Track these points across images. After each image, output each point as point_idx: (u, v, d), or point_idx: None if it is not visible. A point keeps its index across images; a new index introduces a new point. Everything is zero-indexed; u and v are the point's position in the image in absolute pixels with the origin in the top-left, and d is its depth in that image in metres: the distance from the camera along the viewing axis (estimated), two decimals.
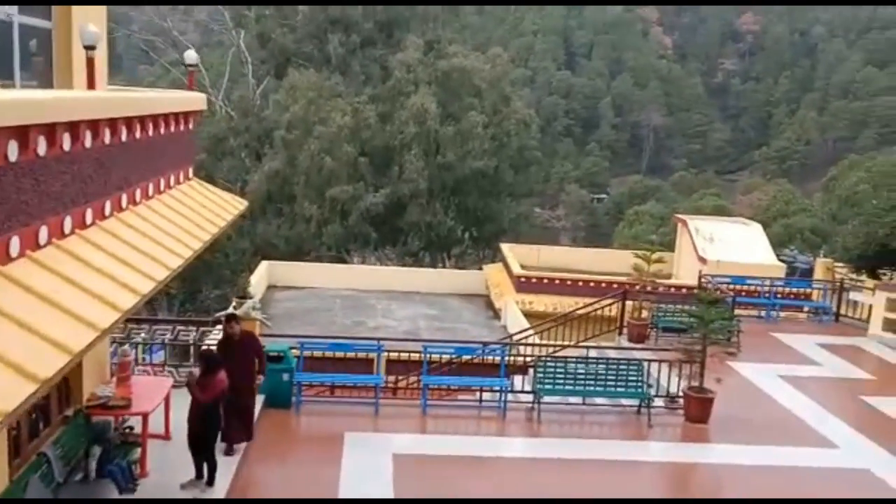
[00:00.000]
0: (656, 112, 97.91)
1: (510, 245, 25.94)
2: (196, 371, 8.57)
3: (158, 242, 7.14)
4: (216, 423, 8.18)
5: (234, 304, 10.74)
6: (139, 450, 8.46)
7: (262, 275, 22.20)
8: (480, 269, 25.91)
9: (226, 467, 8.71)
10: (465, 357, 12.55)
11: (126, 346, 9.32)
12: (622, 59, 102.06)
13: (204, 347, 9.51)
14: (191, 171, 9.67)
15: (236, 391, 8.55)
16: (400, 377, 12.89)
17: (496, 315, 21.87)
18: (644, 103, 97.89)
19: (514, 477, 9.78)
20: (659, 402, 11.87)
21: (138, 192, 7.67)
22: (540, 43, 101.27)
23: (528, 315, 19.37)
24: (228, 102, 34.39)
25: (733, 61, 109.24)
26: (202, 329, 10.92)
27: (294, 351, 11.11)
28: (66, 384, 8.26)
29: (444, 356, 12.33)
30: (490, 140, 31.13)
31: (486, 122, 30.98)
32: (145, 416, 8.50)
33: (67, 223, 6.04)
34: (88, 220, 6.44)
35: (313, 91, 29.01)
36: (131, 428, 8.68)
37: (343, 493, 8.79)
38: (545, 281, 22.44)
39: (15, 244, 5.21)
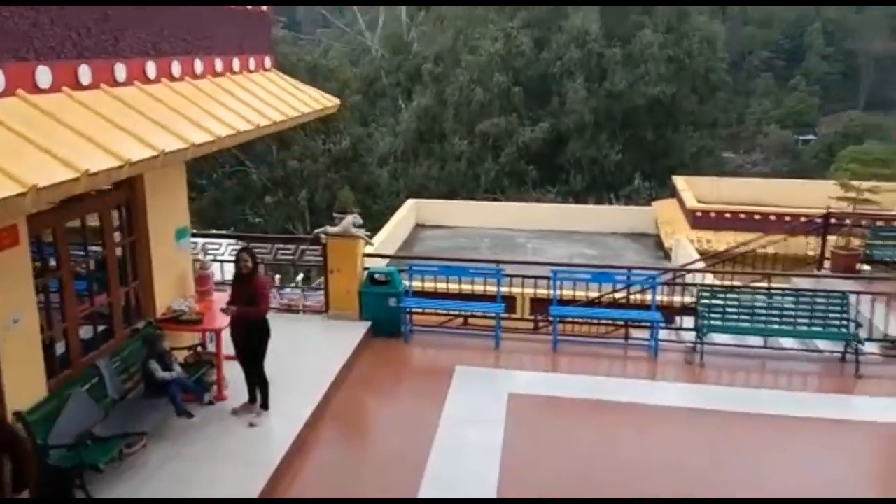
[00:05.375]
0: (878, 37, 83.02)
1: (685, 177, 22.59)
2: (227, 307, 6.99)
3: (182, 114, 5.88)
4: (268, 331, 7.00)
5: (334, 218, 9.51)
6: (213, 371, 7.54)
7: (409, 213, 21.24)
8: (650, 205, 22.87)
9: (312, 390, 7.56)
10: (616, 293, 10.26)
11: (205, 260, 8.41)
12: None
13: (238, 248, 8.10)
14: (268, 60, 8.43)
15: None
16: (540, 316, 10.98)
17: (666, 255, 19.10)
18: (862, 28, 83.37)
19: (664, 431, 7.52)
20: (872, 347, 8.87)
21: (176, 66, 6.47)
22: None
23: (705, 255, 16.41)
24: (382, 45, 33.55)
25: None
26: (301, 247, 9.85)
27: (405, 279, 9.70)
28: (136, 296, 7.49)
29: (580, 285, 10.19)
30: (667, 62, 27.36)
31: (661, 41, 27.25)
32: (218, 333, 7.54)
33: (44, 75, 4.90)
34: (85, 79, 5.29)
35: (461, 19, 27.14)
36: (202, 346, 7.77)
37: (440, 435, 7.22)
38: (727, 215, 19.24)
39: None
